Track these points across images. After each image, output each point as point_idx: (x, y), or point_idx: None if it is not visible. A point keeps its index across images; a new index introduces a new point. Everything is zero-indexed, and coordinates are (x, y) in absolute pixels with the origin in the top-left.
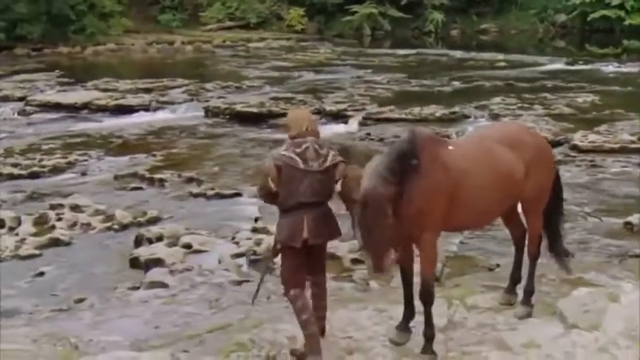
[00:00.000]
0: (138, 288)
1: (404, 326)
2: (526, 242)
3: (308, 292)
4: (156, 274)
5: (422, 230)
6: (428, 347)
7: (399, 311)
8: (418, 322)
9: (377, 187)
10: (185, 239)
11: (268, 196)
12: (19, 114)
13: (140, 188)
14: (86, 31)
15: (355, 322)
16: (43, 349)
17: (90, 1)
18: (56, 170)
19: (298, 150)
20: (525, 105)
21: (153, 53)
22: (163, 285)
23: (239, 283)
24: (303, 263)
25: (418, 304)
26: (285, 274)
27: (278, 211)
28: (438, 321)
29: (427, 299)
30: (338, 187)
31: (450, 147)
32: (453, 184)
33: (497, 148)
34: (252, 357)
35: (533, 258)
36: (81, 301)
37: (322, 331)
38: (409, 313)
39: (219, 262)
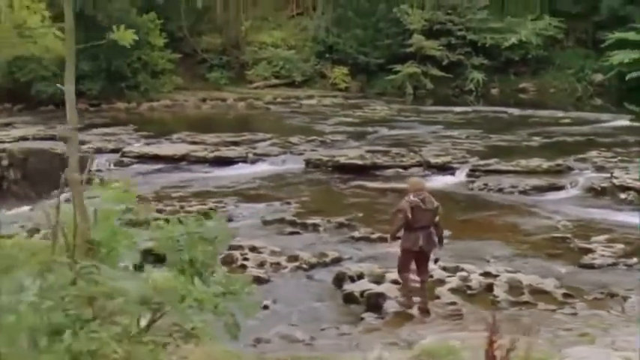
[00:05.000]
0: (382, 318)
1: None
2: None
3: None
4: (393, 306)
5: None
6: None
7: None
8: None
9: None
10: (390, 276)
11: (404, 221)
12: (114, 165)
13: (297, 233)
14: (140, 88)
15: None
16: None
17: (144, 60)
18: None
19: (420, 198)
20: (624, 158)
21: (206, 109)
22: (407, 315)
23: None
24: (411, 261)
25: None
26: (402, 265)
27: (403, 231)
28: None
29: None
30: (437, 219)
31: None
32: None
33: None
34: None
35: None
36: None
37: (426, 311)
38: None
39: (439, 297)
